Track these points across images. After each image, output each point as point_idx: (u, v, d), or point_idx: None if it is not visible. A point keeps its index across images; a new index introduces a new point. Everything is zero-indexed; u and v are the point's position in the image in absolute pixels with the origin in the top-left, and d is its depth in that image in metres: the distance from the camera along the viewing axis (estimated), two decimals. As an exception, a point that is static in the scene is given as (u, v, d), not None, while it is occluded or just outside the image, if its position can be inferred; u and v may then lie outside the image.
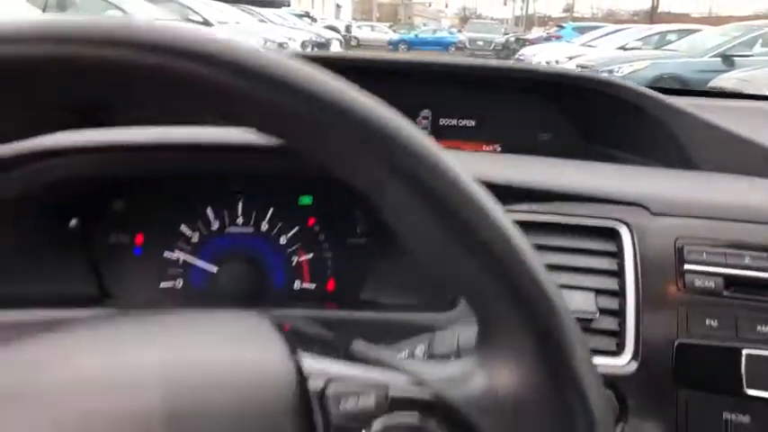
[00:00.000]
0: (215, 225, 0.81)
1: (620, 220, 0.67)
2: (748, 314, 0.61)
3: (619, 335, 0.63)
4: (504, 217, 0.32)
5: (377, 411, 0.32)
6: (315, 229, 0.83)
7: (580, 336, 0.32)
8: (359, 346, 0.38)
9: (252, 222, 0.82)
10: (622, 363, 0.61)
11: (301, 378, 0.32)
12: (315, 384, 0.32)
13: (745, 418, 0.59)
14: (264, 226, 0.82)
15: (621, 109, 0.93)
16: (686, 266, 0.63)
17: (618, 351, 0.62)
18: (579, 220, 0.68)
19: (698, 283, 0.62)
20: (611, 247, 0.66)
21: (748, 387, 0.59)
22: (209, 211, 0.81)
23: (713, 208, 0.67)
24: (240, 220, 0.82)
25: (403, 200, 0.31)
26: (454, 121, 1.15)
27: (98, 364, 0.32)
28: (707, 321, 0.61)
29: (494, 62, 1.00)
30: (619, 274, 0.65)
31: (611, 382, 0.61)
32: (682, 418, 0.60)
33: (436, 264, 0.33)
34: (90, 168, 0.64)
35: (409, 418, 0.32)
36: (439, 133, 1.11)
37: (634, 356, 0.61)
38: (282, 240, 0.82)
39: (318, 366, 0.33)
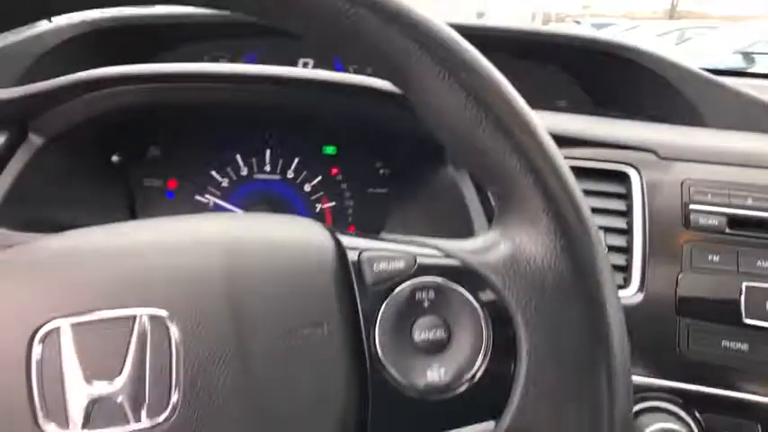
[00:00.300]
0: (244, 171, 0.86)
1: (630, 164, 0.70)
2: (749, 251, 0.64)
3: (626, 270, 0.67)
4: (527, 106, 0.37)
5: (406, 273, 0.36)
6: (338, 178, 0.87)
7: (584, 201, 0.36)
8: (388, 236, 0.43)
9: (278, 170, 0.87)
10: (629, 294, 0.65)
11: (339, 247, 0.37)
12: (352, 254, 0.37)
13: (744, 346, 0.63)
14: (290, 174, 0.87)
15: (637, 74, 0.97)
16: (691, 206, 0.66)
17: (625, 284, 0.66)
18: (591, 163, 0.71)
19: (702, 221, 0.66)
20: (620, 189, 0.70)
21: (747, 317, 0.63)
22: (239, 158, 0.86)
23: (719, 153, 0.70)
24: (267, 168, 0.86)
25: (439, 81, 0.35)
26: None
27: (168, 229, 0.36)
28: (709, 257, 0.65)
29: (512, 27, 1.04)
30: (627, 213, 0.69)
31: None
32: (683, 345, 0.63)
33: (466, 142, 0.37)
34: (132, 99, 0.69)
35: (436, 280, 0.36)
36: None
37: (640, 289, 0.65)
38: (307, 188, 0.87)
39: (355, 242, 0.38)
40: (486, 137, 0.36)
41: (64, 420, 0.30)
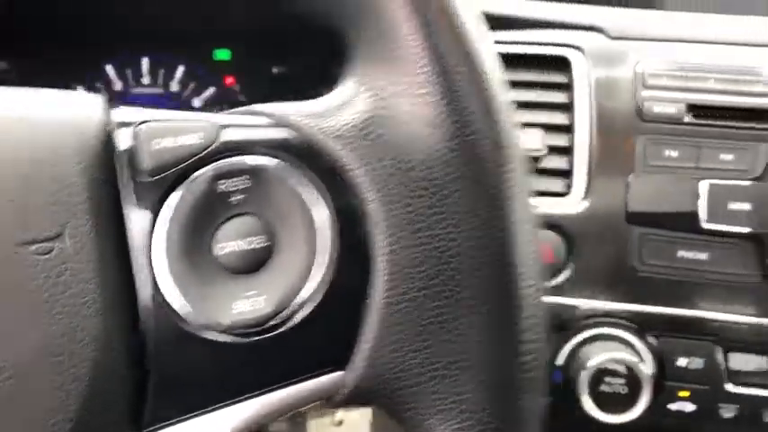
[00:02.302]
0: (117, 86, 0.71)
1: (574, 47, 0.58)
2: (711, 143, 0.54)
3: (568, 174, 0.55)
4: None
5: (203, 154, 0.23)
6: (234, 88, 0.73)
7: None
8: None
9: (160, 82, 0.72)
10: (572, 202, 0.54)
11: (106, 124, 0.23)
12: (124, 132, 0.23)
13: (703, 255, 0.53)
14: (175, 86, 0.72)
15: None
16: (645, 92, 0.55)
17: (567, 191, 0.55)
18: (528, 48, 0.59)
19: (657, 109, 0.55)
20: (562, 78, 0.58)
21: (707, 221, 0.52)
22: (110, 70, 0.70)
23: (676, 30, 0.58)
24: (146, 80, 0.71)
25: None
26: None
27: None
28: (666, 152, 0.54)
29: None
30: (570, 107, 0.57)
31: (558, 223, 0.54)
32: (634, 257, 0.53)
33: None
34: None
35: (251, 161, 0.24)
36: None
37: (584, 196, 0.54)
38: (196, 103, 0.72)
39: (135, 114, 0.25)
40: None
41: None
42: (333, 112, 0.24)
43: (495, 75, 0.26)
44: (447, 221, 0.23)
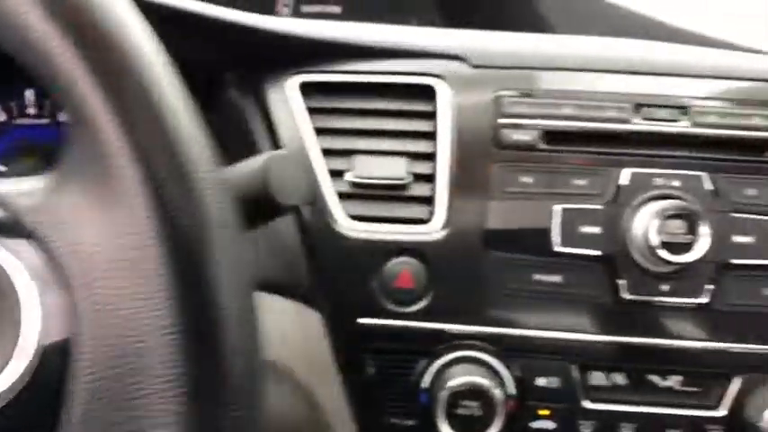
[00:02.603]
0: (1, 117, 0.70)
1: (437, 76, 0.59)
2: (565, 168, 0.55)
3: (431, 201, 0.57)
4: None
5: None
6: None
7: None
8: None
9: (46, 112, 0.71)
10: (432, 229, 0.55)
11: None
12: None
13: (557, 278, 0.54)
14: (63, 116, 0.72)
15: None
16: (501, 120, 0.56)
17: (429, 218, 0.56)
18: (393, 78, 0.60)
19: (514, 137, 0.56)
20: (427, 107, 0.59)
21: (559, 244, 0.54)
22: (-7, 101, 0.70)
23: (537, 57, 0.60)
24: (31, 111, 0.71)
25: None
26: (318, 8, 1.05)
27: None
28: (521, 179, 0.55)
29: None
30: (435, 135, 0.58)
31: (419, 249, 0.55)
32: (493, 283, 0.55)
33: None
34: None
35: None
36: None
37: (445, 223, 0.55)
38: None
39: None
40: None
41: None
42: (39, 195, 0.25)
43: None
44: (136, 301, 0.23)
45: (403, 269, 0.55)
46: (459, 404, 0.52)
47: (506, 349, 0.55)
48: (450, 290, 0.55)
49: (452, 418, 0.52)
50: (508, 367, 0.55)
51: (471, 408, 0.52)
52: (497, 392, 0.52)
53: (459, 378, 0.52)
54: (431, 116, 0.59)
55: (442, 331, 0.55)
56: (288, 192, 0.40)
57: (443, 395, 0.52)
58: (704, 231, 0.52)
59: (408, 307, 0.55)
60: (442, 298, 0.55)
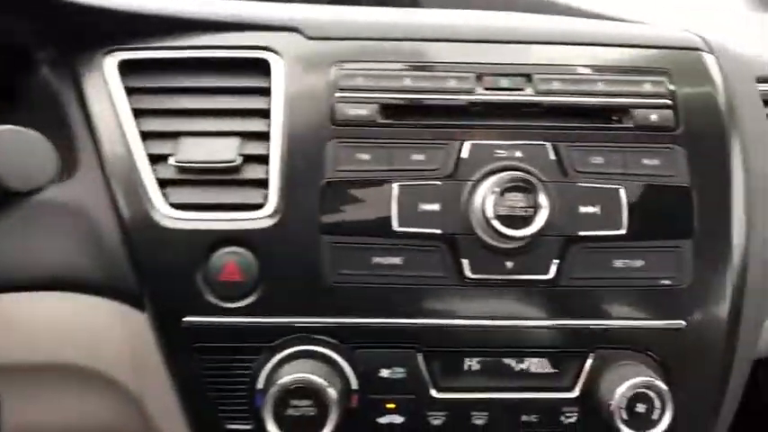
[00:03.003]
0: None
1: (271, 49, 0.54)
2: (404, 143, 0.52)
3: (266, 184, 0.52)
4: None
5: None
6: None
7: None
8: None
9: None
10: (262, 216, 0.51)
11: None
12: None
13: (397, 260, 0.51)
14: None
15: None
16: (338, 94, 0.52)
17: (264, 203, 0.51)
18: (222, 53, 0.55)
19: (351, 112, 0.52)
20: (260, 82, 0.54)
21: (399, 224, 0.50)
22: None
23: (376, 28, 0.56)
24: None
25: None
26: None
27: None
28: (358, 156, 0.51)
29: None
30: (269, 113, 0.53)
31: (248, 238, 0.50)
32: (329, 270, 0.50)
33: None
34: None
35: None
36: None
37: (277, 208, 0.51)
38: None
39: None
40: None
41: None
42: None
43: None
44: None
45: (229, 261, 0.50)
46: (289, 404, 0.47)
47: (346, 341, 0.51)
48: (282, 281, 0.50)
49: (282, 420, 0.47)
50: (350, 360, 0.51)
51: (302, 408, 0.47)
52: (330, 390, 0.47)
53: (289, 376, 0.47)
54: (265, 93, 0.54)
55: (275, 326, 0.50)
56: (13, 174, 0.35)
57: (271, 395, 0.47)
58: (543, 202, 0.49)
59: (237, 302, 0.50)
60: (274, 290, 0.50)
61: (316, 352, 0.50)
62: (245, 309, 0.50)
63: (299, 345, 0.51)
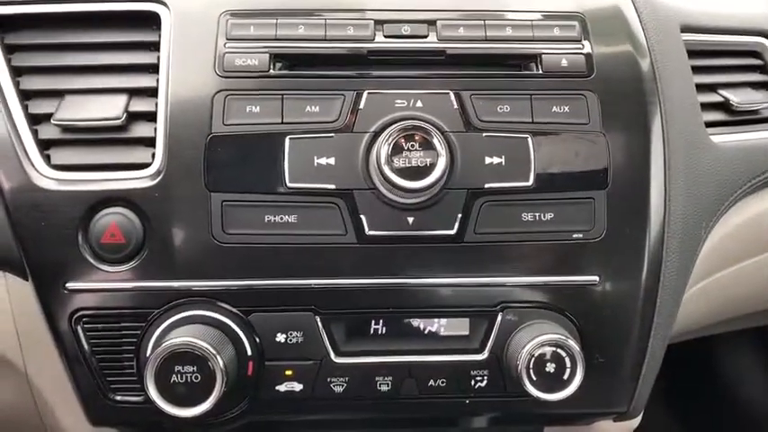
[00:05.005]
0: None
1: (160, 1, 0.51)
2: (297, 94, 0.49)
3: (155, 142, 0.49)
4: None
5: None
6: None
7: None
8: None
9: None
10: (147, 174, 0.48)
11: None
12: None
13: (291, 218, 0.48)
14: None
15: None
16: (228, 44, 0.49)
17: (152, 161, 0.48)
18: (107, 5, 0.51)
19: (239, 61, 0.49)
20: (148, 36, 0.51)
21: (291, 180, 0.47)
22: None
23: None
24: None
25: None
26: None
27: None
28: (248, 108, 0.48)
29: None
30: (158, 68, 0.50)
31: (132, 198, 0.47)
32: (217, 229, 0.47)
33: None
34: None
35: None
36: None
37: (162, 165, 0.47)
38: None
39: None
40: None
41: None
42: None
43: None
44: None
45: (111, 221, 0.47)
46: (173, 371, 0.44)
47: (239, 304, 0.48)
48: (169, 242, 0.47)
49: (165, 388, 0.44)
50: (243, 325, 0.48)
51: (187, 375, 0.44)
52: (216, 356, 0.44)
53: (170, 341, 0.44)
54: (154, 47, 0.51)
55: (162, 290, 0.47)
56: None
57: (152, 360, 0.44)
58: (441, 152, 0.46)
59: (121, 265, 0.47)
60: (160, 252, 0.47)
61: (207, 317, 0.48)
62: (130, 272, 0.47)
63: (189, 309, 0.48)
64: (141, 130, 0.49)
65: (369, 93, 0.49)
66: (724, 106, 0.60)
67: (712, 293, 0.65)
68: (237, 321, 0.48)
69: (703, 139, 0.57)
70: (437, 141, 0.46)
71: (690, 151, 0.55)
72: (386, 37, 0.50)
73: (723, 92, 0.61)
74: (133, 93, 0.50)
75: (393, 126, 0.47)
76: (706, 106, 0.59)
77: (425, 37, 0.50)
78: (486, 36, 0.50)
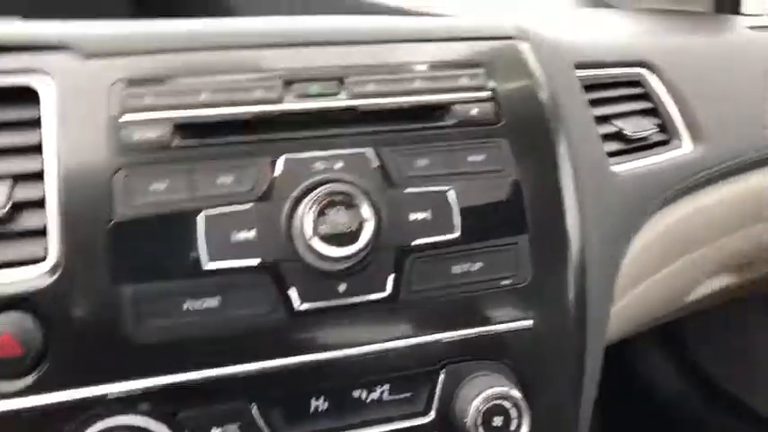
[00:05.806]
0: None
1: (40, 72, 0.46)
2: (207, 165, 0.45)
3: (46, 233, 0.43)
4: None
5: None
6: None
7: None
8: None
9: None
10: (42, 271, 0.42)
11: None
12: None
13: (214, 301, 0.44)
14: None
15: None
16: (123, 118, 0.45)
17: (45, 256, 0.43)
18: None
19: (138, 136, 0.45)
20: (29, 113, 0.46)
21: (211, 259, 0.44)
22: None
23: (163, 39, 0.49)
24: None
25: None
26: None
27: None
28: (153, 186, 0.44)
29: None
30: (42, 149, 0.45)
31: (28, 299, 0.41)
32: (131, 325, 0.42)
33: None
34: None
35: None
36: None
37: (59, 261, 0.42)
38: None
39: None
40: None
41: None
42: None
43: None
44: None
45: (3, 332, 0.41)
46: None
47: (163, 404, 0.43)
48: (74, 346, 0.42)
49: None
50: (172, 427, 0.43)
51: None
52: None
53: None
54: (36, 124, 0.46)
55: (72, 403, 0.42)
56: None
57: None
58: (367, 215, 0.45)
59: (19, 379, 0.41)
60: (65, 359, 0.42)
61: (129, 425, 0.42)
62: (31, 387, 0.41)
63: (106, 418, 0.42)
64: (30, 220, 0.43)
65: (285, 157, 0.46)
66: (619, 136, 0.64)
67: (632, 307, 0.69)
68: (165, 423, 0.43)
69: (606, 170, 0.60)
70: (363, 203, 0.44)
71: (597, 183, 0.58)
72: (296, 97, 0.48)
73: (617, 122, 0.64)
74: (17, 178, 0.44)
75: (315, 191, 0.45)
76: (604, 137, 0.62)
77: (336, 95, 0.49)
78: (396, 90, 0.50)
